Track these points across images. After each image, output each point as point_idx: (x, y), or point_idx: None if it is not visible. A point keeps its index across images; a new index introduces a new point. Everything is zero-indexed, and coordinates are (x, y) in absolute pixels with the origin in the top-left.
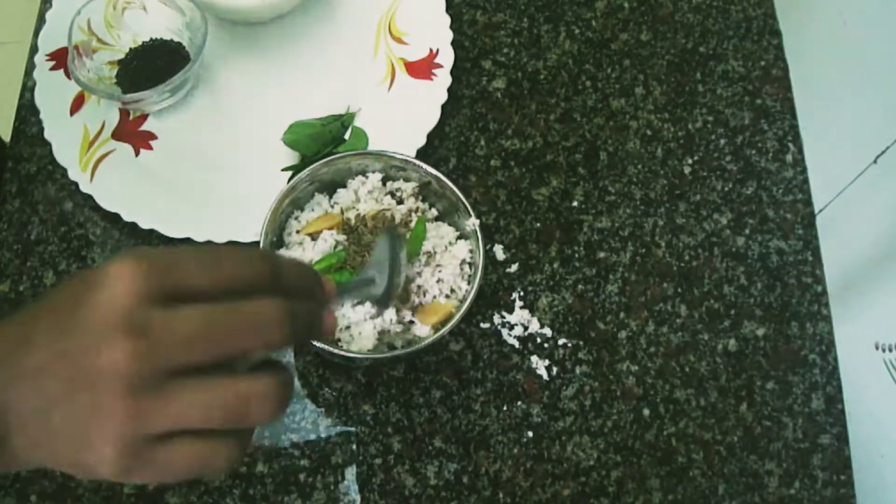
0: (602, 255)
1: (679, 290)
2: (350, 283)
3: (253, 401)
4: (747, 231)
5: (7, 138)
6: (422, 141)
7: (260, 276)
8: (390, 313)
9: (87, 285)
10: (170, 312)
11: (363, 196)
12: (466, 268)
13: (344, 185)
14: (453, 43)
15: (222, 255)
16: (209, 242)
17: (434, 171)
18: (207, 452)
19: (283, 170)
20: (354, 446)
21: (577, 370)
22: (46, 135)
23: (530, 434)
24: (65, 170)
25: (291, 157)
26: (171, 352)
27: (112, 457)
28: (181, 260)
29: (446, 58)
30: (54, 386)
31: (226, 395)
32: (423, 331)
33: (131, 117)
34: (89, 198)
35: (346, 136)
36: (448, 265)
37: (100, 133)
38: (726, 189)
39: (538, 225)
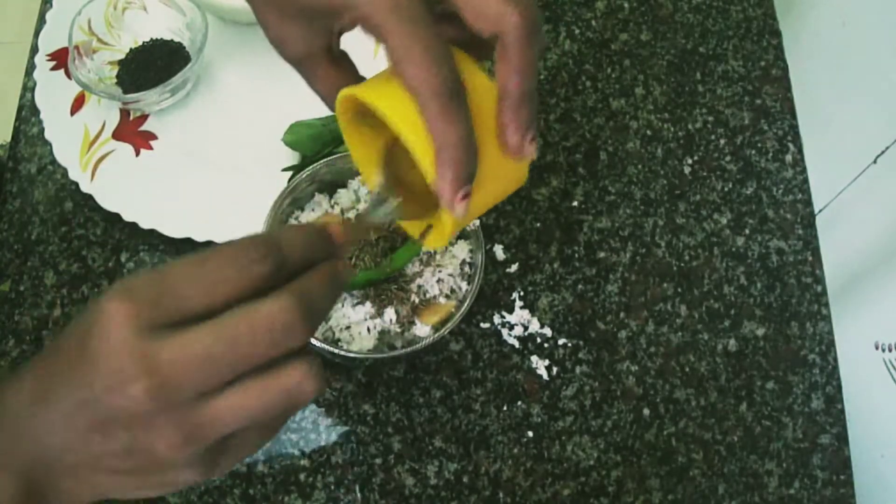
0: (602, 255)
1: (679, 290)
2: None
3: (293, 389)
4: (747, 231)
5: (7, 138)
6: None
7: (260, 274)
8: (390, 313)
9: (87, 330)
10: (174, 340)
11: (363, 196)
12: (466, 268)
13: (344, 186)
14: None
15: (212, 263)
16: (209, 243)
17: None
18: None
19: (283, 170)
20: (354, 446)
21: (577, 370)
22: (47, 135)
23: (530, 434)
24: (65, 170)
25: (291, 157)
26: (187, 379)
27: (192, 471)
28: (170, 283)
29: None
30: (90, 432)
31: (267, 394)
32: (423, 331)
33: (131, 117)
34: (89, 198)
35: None
36: (448, 265)
37: (100, 133)
38: (726, 189)
39: (538, 225)
